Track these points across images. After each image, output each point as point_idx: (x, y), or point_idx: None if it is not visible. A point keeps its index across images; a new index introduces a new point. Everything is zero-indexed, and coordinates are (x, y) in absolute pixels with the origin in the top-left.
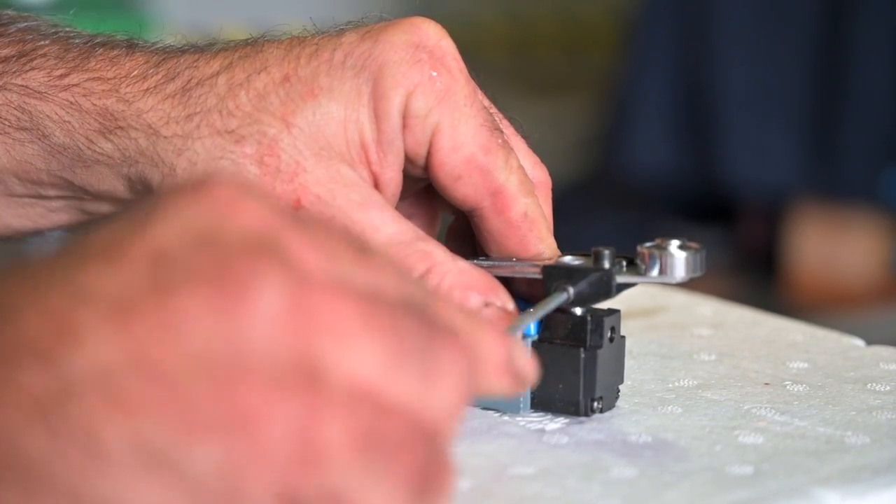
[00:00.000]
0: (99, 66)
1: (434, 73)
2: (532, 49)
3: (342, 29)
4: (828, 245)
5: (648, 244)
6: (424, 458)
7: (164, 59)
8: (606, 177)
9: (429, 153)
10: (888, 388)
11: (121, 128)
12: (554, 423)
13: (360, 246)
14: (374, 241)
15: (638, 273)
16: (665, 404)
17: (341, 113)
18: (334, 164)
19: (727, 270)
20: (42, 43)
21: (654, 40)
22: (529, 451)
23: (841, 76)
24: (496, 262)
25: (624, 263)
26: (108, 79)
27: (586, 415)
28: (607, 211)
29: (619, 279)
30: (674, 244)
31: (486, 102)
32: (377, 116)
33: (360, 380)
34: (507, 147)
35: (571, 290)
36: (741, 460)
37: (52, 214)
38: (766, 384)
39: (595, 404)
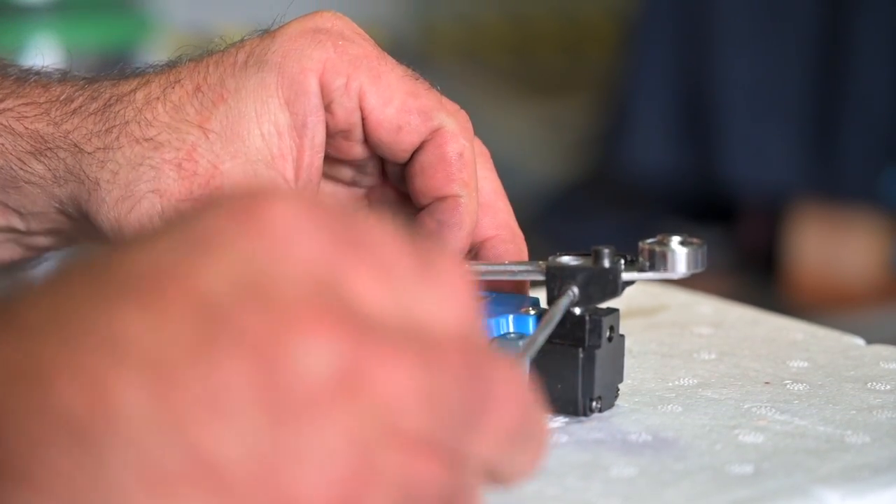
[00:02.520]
0: (32, 91)
1: (340, 44)
2: (532, 49)
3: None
4: (828, 245)
5: (650, 240)
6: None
7: (90, 82)
8: (606, 177)
9: (364, 119)
10: (888, 387)
11: (50, 149)
12: (554, 422)
13: (423, 259)
14: None
15: (639, 269)
16: (665, 403)
17: (251, 109)
18: (251, 164)
19: (727, 270)
20: None
21: (654, 40)
22: None
23: (841, 76)
24: (492, 266)
25: (622, 261)
26: (41, 103)
27: (585, 414)
28: (607, 211)
29: (623, 276)
30: (675, 240)
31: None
32: (287, 102)
33: (404, 439)
34: (437, 93)
35: (576, 290)
36: (741, 459)
37: None
38: (767, 383)
39: (594, 404)
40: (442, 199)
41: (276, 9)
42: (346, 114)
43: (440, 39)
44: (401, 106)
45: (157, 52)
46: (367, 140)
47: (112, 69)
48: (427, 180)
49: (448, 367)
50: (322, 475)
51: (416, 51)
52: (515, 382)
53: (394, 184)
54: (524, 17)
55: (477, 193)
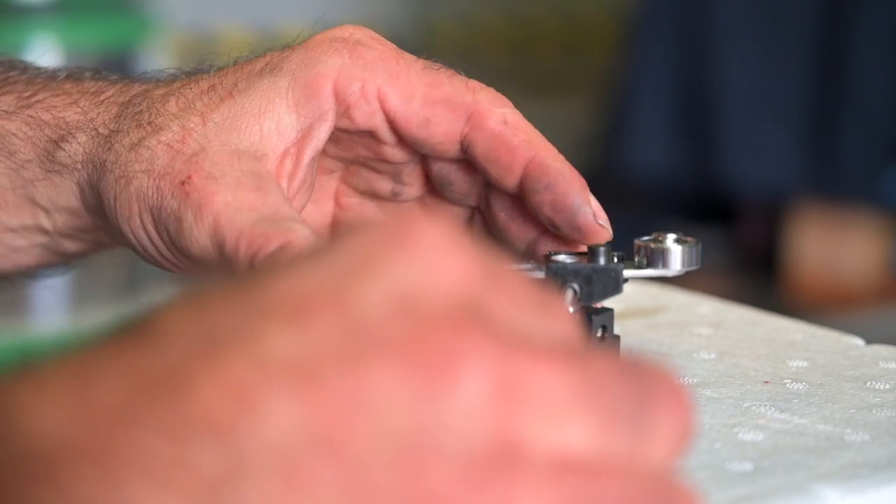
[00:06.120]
0: (64, 85)
1: (356, 52)
2: (532, 49)
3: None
4: (828, 245)
5: (645, 238)
6: None
7: (122, 79)
8: (607, 176)
9: (391, 122)
10: (888, 386)
11: (71, 134)
12: None
13: (540, 295)
14: (246, 219)
15: (635, 266)
16: None
17: (255, 106)
18: (236, 154)
19: (727, 270)
20: (13, 73)
21: (654, 40)
22: None
23: (841, 76)
24: None
25: (615, 259)
26: (72, 94)
27: None
28: (608, 210)
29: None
30: (670, 238)
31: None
32: (296, 104)
33: (567, 452)
34: (461, 77)
35: (577, 288)
36: (741, 457)
37: (13, 255)
38: (766, 382)
39: None
40: (526, 174)
41: (275, 9)
42: (367, 117)
43: (440, 39)
44: (424, 99)
45: (157, 52)
46: (403, 141)
47: (130, 72)
48: (496, 166)
49: (602, 368)
50: (466, 480)
51: (416, 51)
52: (672, 379)
53: (440, 192)
54: (524, 16)
55: (546, 143)
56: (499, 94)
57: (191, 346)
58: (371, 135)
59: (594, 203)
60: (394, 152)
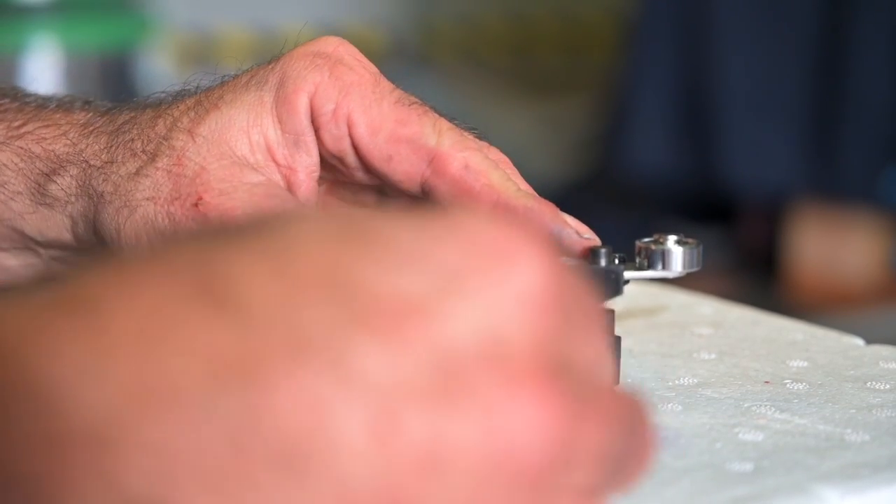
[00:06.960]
0: (53, 115)
1: (335, 72)
2: (532, 49)
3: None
4: (828, 245)
5: (646, 239)
6: None
7: (111, 108)
8: (607, 177)
9: (355, 148)
10: (888, 386)
11: (62, 167)
12: None
13: (605, 350)
14: None
15: (636, 268)
16: (665, 402)
17: (243, 119)
18: (237, 166)
19: (727, 270)
20: (4, 101)
21: (654, 40)
22: None
23: (841, 76)
24: None
25: (616, 260)
26: (61, 125)
27: None
28: (607, 211)
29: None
30: (671, 239)
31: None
32: (280, 120)
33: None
34: (431, 115)
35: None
36: (741, 457)
37: (4, 273)
38: (767, 382)
39: None
40: None
41: (275, 9)
42: (335, 140)
43: (440, 39)
44: (389, 135)
45: (157, 52)
46: (366, 170)
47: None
48: None
49: (615, 423)
50: None
51: (416, 51)
52: (652, 426)
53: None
54: (524, 17)
55: (507, 182)
56: (464, 136)
57: (275, 339)
58: (339, 160)
59: (572, 221)
60: (363, 177)
